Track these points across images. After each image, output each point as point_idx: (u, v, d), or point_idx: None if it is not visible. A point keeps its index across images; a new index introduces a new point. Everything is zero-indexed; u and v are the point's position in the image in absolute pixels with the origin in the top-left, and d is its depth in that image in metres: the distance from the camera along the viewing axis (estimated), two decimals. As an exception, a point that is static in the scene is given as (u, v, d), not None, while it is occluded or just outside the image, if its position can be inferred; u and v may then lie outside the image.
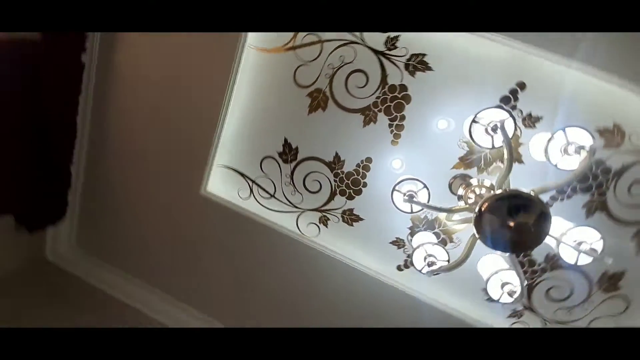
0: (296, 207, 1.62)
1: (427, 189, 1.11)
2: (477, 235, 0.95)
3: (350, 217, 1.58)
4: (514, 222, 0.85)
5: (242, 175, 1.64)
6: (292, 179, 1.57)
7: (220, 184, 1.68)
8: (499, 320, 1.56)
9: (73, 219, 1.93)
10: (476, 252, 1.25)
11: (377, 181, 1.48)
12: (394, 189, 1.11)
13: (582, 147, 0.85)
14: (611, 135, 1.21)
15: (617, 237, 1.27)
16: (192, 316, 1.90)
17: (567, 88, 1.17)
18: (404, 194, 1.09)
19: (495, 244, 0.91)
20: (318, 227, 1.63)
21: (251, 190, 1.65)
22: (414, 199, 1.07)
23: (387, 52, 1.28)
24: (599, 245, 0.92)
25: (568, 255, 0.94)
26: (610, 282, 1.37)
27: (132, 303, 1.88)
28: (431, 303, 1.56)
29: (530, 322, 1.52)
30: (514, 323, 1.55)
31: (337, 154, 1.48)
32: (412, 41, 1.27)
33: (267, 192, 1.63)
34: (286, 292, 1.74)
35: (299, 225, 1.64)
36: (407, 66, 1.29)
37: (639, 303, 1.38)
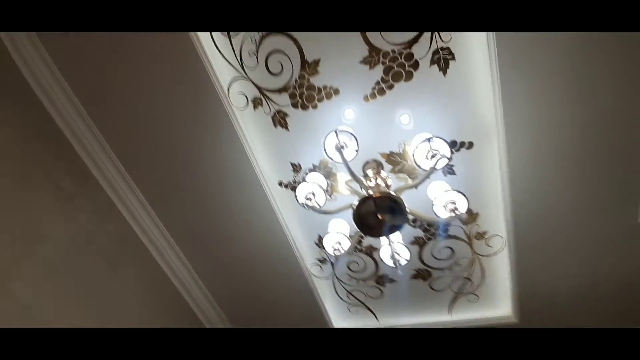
0: (242, 69, 1.45)
1: (357, 152, 1.23)
2: (353, 207, 1.16)
3: (280, 120, 1.56)
4: (382, 216, 1.08)
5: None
6: (261, 41, 1.37)
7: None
8: (308, 258, 2.01)
9: None
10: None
11: (325, 114, 1.49)
12: (336, 130, 1.17)
13: (456, 209, 1.13)
14: (470, 215, 1.65)
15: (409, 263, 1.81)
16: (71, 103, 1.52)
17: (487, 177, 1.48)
18: (339, 141, 1.17)
19: (359, 219, 1.14)
20: (247, 103, 1.54)
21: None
22: (342, 150, 1.16)
23: (438, 24, 1.20)
24: (403, 262, 1.30)
25: (384, 253, 1.30)
26: (380, 279, 1.98)
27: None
28: (279, 218, 1.80)
29: (325, 271, 2.03)
30: (315, 264, 2.02)
31: (319, 61, 1.38)
32: (459, 38, 1.24)
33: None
34: (175, 127, 1.61)
35: (231, 86, 1.49)
36: (435, 52, 1.27)
37: (380, 301, 2.07)
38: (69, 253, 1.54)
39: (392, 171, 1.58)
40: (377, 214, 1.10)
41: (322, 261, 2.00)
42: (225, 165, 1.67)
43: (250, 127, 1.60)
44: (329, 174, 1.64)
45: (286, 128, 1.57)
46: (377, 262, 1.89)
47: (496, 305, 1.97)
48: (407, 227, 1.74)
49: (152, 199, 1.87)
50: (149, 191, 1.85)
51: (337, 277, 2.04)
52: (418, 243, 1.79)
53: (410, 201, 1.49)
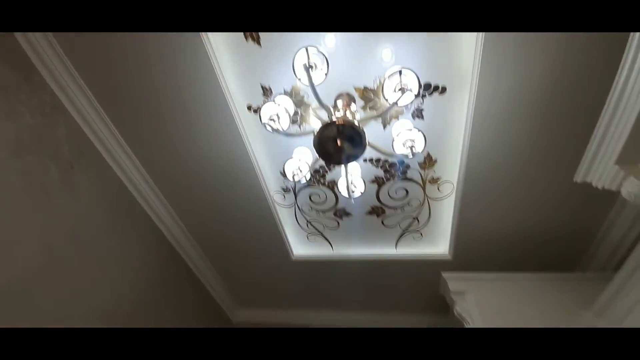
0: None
1: (326, 75, 1.18)
2: (315, 133, 1.16)
3: (252, 33, 1.42)
4: (341, 143, 1.10)
5: None
6: None
7: None
8: (272, 186, 2.06)
9: None
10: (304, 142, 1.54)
11: (303, 35, 1.38)
12: (307, 47, 1.09)
13: (413, 148, 1.18)
14: (429, 160, 1.73)
15: (366, 197, 1.93)
16: None
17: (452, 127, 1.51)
18: (309, 60, 1.10)
19: (319, 144, 1.15)
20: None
21: None
22: (310, 71, 1.11)
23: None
24: (357, 194, 1.38)
25: (341, 183, 1.36)
26: (338, 212, 2.11)
27: None
28: (244, 141, 1.77)
29: (288, 200, 2.12)
30: (278, 192, 2.09)
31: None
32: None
33: None
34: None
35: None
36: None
37: (336, 232, 2.24)
38: (15, 153, 1.45)
39: (364, 107, 1.57)
40: (337, 140, 1.11)
41: (286, 190, 2.07)
42: (187, 73, 1.55)
43: (217, 35, 1.46)
44: (300, 103, 1.59)
45: (258, 43, 1.45)
46: (337, 196, 2.00)
47: (436, 244, 2.22)
48: (369, 167, 1.80)
49: (106, 104, 1.74)
50: (103, 95, 1.71)
51: (298, 207, 2.14)
52: (377, 182, 1.89)
53: (374, 136, 1.52)
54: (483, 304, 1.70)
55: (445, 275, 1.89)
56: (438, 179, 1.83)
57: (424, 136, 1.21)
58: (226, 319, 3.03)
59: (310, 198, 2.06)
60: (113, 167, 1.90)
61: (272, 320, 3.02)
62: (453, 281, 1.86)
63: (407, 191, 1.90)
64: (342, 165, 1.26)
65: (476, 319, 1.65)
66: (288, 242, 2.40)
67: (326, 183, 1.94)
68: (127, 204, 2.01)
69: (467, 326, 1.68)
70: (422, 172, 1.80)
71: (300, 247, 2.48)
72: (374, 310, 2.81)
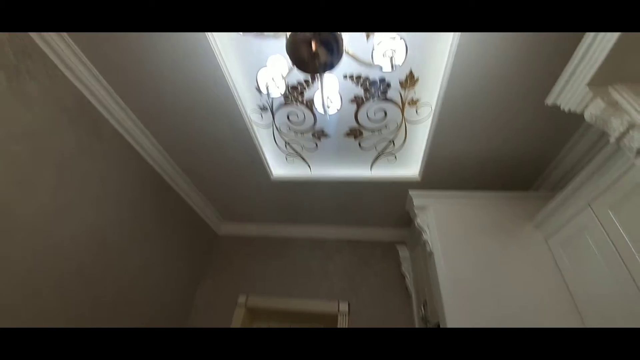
0: None
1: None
2: (287, 36, 1.05)
3: None
4: (316, 48, 1.01)
5: None
6: None
7: None
8: (249, 105, 1.97)
9: None
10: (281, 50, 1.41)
11: None
12: None
13: (393, 58, 1.11)
14: (410, 79, 1.67)
15: (344, 118, 1.91)
16: None
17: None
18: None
19: (292, 47, 1.06)
20: None
21: None
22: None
23: None
24: (333, 110, 1.35)
25: (317, 97, 1.31)
26: (316, 133, 2.11)
27: None
28: (212, 49, 1.62)
29: (265, 119, 2.06)
30: (255, 110, 2.01)
31: None
32: None
33: None
34: None
35: None
36: None
37: (314, 153, 2.27)
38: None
39: (346, 12, 1.41)
40: (311, 44, 1.02)
41: (263, 109, 1.99)
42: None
43: None
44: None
45: None
46: (315, 116, 1.96)
47: (408, 166, 2.33)
48: (349, 84, 1.73)
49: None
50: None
51: (276, 127, 2.10)
52: (356, 102, 1.84)
53: (355, 47, 1.42)
54: (440, 216, 1.90)
55: (412, 192, 2.05)
56: (417, 100, 1.81)
57: (406, 46, 1.14)
58: (213, 233, 3.26)
59: (288, 118, 2.01)
60: (65, 72, 1.70)
61: (254, 233, 3.29)
62: (417, 198, 2.03)
63: (385, 113, 1.88)
64: (318, 77, 1.19)
65: (432, 229, 1.87)
66: (267, 163, 2.43)
67: (304, 101, 1.87)
68: (91, 117, 1.88)
69: (424, 236, 1.91)
70: (402, 92, 1.76)
71: (279, 167, 2.54)
72: (347, 224, 3.09)
